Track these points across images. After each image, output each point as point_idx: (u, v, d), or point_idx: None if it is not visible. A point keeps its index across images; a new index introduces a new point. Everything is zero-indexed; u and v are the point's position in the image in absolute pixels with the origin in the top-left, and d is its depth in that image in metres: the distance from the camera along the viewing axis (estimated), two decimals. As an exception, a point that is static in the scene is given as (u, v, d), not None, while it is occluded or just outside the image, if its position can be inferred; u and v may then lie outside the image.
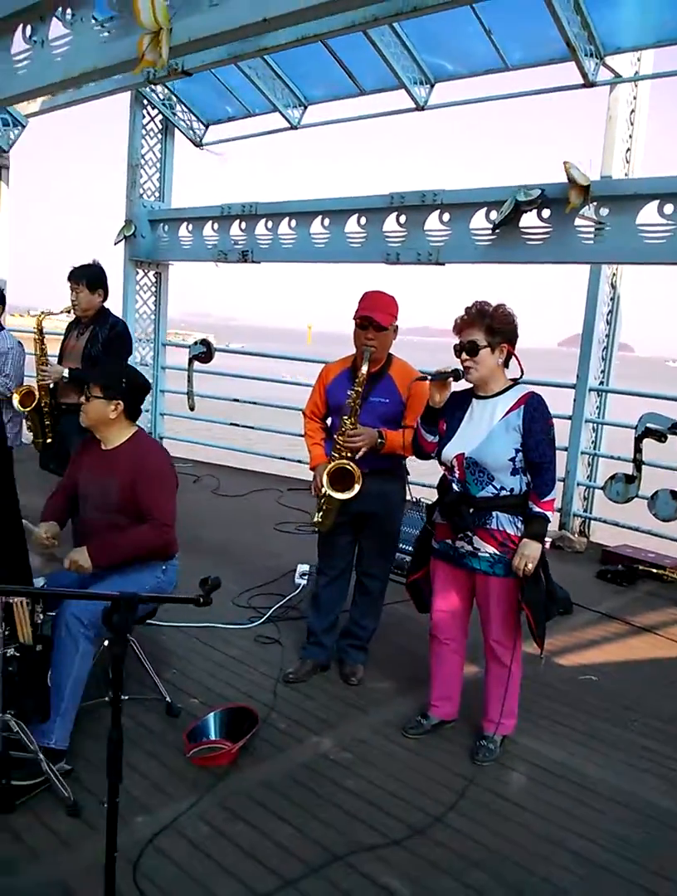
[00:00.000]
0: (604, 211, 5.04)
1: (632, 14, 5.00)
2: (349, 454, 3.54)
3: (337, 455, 3.56)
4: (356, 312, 3.58)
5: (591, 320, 5.94)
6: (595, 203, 5.03)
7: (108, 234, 8.71)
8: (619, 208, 4.99)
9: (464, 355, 3.05)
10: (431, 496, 3.40)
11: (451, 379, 3.08)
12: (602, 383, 6.15)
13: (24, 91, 5.64)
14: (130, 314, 8.20)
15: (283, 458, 8.28)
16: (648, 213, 4.81)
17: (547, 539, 3.30)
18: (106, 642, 3.33)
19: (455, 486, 3.12)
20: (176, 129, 8.23)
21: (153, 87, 7.58)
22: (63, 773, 2.85)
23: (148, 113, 8.12)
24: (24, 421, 5.02)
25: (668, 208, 4.72)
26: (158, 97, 8.01)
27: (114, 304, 5.00)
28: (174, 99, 8.02)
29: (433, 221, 5.88)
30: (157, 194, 8.32)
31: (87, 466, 3.40)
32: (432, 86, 6.20)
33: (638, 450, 5.25)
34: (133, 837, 2.63)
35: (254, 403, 8.58)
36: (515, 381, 3.15)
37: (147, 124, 8.15)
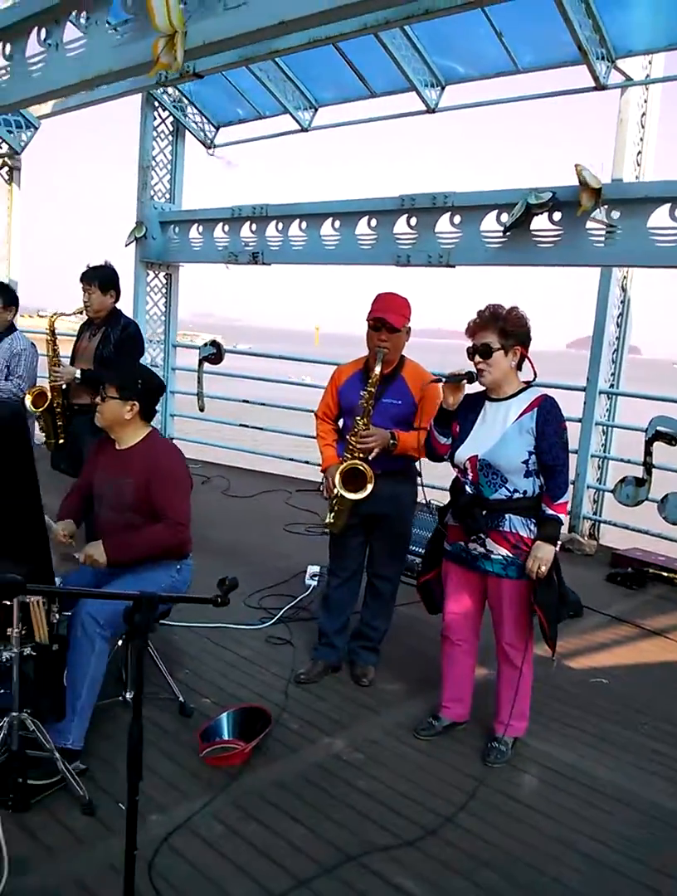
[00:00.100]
0: (616, 214, 5.04)
1: (644, 17, 5.01)
2: (361, 455, 3.56)
3: (349, 456, 3.58)
4: (369, 314, 3.59)
5: (601, 323, 5.93)
6: (606, 206, 5.03)
7: (119, 235, 8.74)
8: (631, 211, 4.99)
9: (477, 358, 3.06)
10: (444, 498, 3.41)
11: (465, 381, 3.09)
12: (612, 386, 6.14)
13: (38, 94, 5.66)
14: (141, 315, 8.22)
15: (292, 459, 8.30)
16: (660, 217, 4.81)
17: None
18: (120, 642, 3.37)
19: (468, 488, 3.13)
20: (186, 130, 8.25)
21: (164, 89, 7.61)
22: (78, 772, 2.87)
23: (159, 115, 8.15)
24: (36, 422, 5.05)
25: (681, 211, 4.73)
26: (169, 99, 8.03)
27: (124, 306, 5.03)
28: (185, 101, 8.04)
29: (443, 224, 5.88)
30: (167, 196, 8.35)
31: (101, 466, 3.42)
32: (443, 88, 6.21)
33: (648, 453, 5.24)
34: (148, 836, 2.65)
35: (265, 405, 8.59)
36: (528, 384, 3.17)
37: (158, 126, 8.18)
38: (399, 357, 3.69)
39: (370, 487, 3.49)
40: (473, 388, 3.19)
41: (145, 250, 8.20)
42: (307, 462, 7.78)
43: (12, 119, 8.28)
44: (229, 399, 8.86)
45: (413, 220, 6.10)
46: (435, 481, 3.67)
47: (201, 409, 7.99)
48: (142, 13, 4.39)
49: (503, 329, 3.03)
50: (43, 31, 5.44)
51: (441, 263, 5.86)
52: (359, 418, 3.55)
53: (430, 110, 6.28)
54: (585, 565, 5.78)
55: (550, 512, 3.02)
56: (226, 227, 7.68)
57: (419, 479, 3.82)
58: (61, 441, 4.93)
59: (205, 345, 7.91)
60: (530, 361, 3.13)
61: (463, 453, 3.13)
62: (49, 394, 4.86)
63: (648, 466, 5.29)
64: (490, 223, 5.60)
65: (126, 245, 8.35)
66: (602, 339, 5.94)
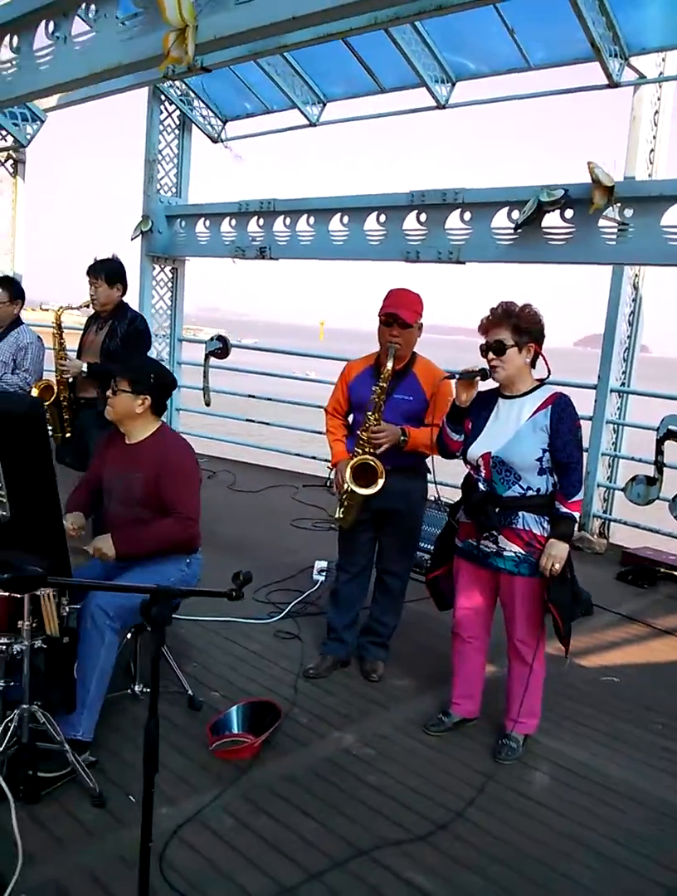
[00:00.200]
0: (628, 212, 5.03)
1: (658, 14, 4.98)
2: (372, 450, 3.55)
3: (360, 451, 3.57)
4: (381, 309, 3.59)
5: (613, 321, 5.91)
6: (619, 204, 5.01)
7: (124, 229, 8.73)
8: (644, 209, 4.97)
9: (490, 355, 3.05)
10: (455, 495, 3.40)
11: (478, 378, 3.08)
12: (623, 384, 6.13)
13: (45, 87, 5.64)
14: (147, 309, 8.21)
15: (299, 455, 8.30)
16: (674, 215, 4.79)
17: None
18: (129, 635, 3.37)
19: (481, 486, 3.12)
20: (193, 124, 8.23)
21: (171, 82, 7.58)
22: (88, 764, 2.87)
23: (165, 109, 8.13)
24: (42, 415, 5.03)
25: (694, 210, 4.72)
26: (176, 93, 8.01)
27: (130, 300, 5.02)
28: (192, 95, 8.02)
29: (454, 220, 5.86)
30: (173, 190, 8.33)
31: (110, 460, 3.41)
32: (453, 84, 6.18)
33: (659, 452, 5.23)
34: (158, 829, 2.62)
35: (271, 400, 8.58)
36: (542, 382, 3.16)
37: (164, 120, 8.15)
38: (410, 353, 3.68)
39: (381, 482, 3.49)
40: (486, 385, 3.18)
41: (151, 244, 8.19)
42: (314, 457, 7.77)
43: (18, 112, 8.23)
44: (235, 394, 8.86)
45: (423, 217, 6.08)
46: (445, 478, 3.67)
47: (207, 404, 7.99)
48: (152, 7, 4.38)
49: (516, 326, 3.02)
50: (51, 24, 5.41)
51: (451, 260, 5.84)
52: (370, 413, 3.54)
53: (440, 106, 6.26)
54: (595, 564, 5.76)
55: (564, 510, 3.02)
56: (234, 222, 7.66)
57: (429, 475, 3.82)
58: (68, 435, 4.92)
59: (212, 339, 7.90)
60: (544, 358, 3.12)
61: (476, 450, 3.12)
62: (55, 387, 4.85)
63: (659, 465, 5.27)
64: (501, 220, 5.58)
65: (132, 239, 8.34)
66: (613, 338, 5.93)
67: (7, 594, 2.74)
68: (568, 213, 5.27)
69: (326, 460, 7.35)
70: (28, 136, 8.43)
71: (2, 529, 2.31)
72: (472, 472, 3.19)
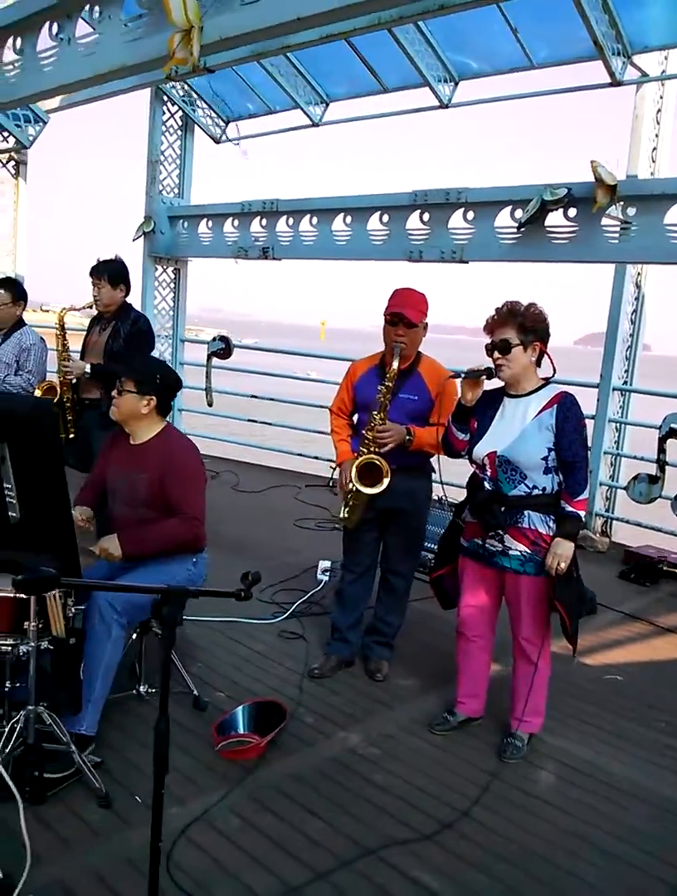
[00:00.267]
0: (632, 210, 5.02)
1: (660, 13, 4.98)
2: (377, 449, 3.55)
3: (365, 450, 3.57)
4: (386, 309, 3.59)
5: (615, 319, 5.91)
6: (622, 202, 5.01)
7: (126, 230, 8.73)
8: (647, 208, 4.96)
9: (496, 354, 3.06)
10: (460, 495, 3.40)
11: (484, 377, 3.08)
12: (625, 383, 6.13)
13: (48, 88, 5.64)
14: (149, 310, 8.20)
15: (301, 455, 8.30)
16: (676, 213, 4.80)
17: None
18: (134, 635, 3.38)
19: (486, 485, 3.12)
20: (196, 125, 8.23)
21: (173, 83, 7.58)
22: (94, 765, 2.87)
23: (168, 109, 8.13)
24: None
25: (698, 208, 4.72)
26: (178, 94, 8.01)
27: (133, 301, 5.02)
28: (194, 95, 8.02)
29: (457, 219, 5.86)
30: (176, 191, 8.33)
31: (115, 461, 3.42)
32: (456, 84, 6.18)
33: (662, 450, 5.23)
34: (165, 829, 2.58)
35: (273, 400, 8.59)
36: (547, 381, 3.16)
37: (167, 120, 8.15)
38: (416, 353, 3.68)
39: (386, 482, 3.49)
40: (492, 384, 3.18)
41: (154, 245, 8.19)
42: (317, 457, 7.78)
43: (21, 113, 8.24)
44: (238, 394, 8.86)
45: (426, 216, 6.08)
46: (450, 478, 3.66)
47: (210, 404, 7.99)
48: (156, 8, 4.38)
49: (522, 325, 3.03)
50: (54, 26, 5.42)
51: (454, 259, 5.85)
52: (375, 413, 3.54)
53: (443, 106, 6.26)
54: (597, 562, 5.76)
55: (570, 509, 3.02)
56: (236, 222, 7.67)
57: (433, 474, 3.83)
58: (71, 436, 4.92)
59: (214, 340, 7.91)
60: (549, 357, 3.13)
61: (481, 449, 3.13)
62: (59, 388, 4.86)
63: (662, 464, 5.28)
64: (504, 219, 5.58)
65: (134, 240, 8.35)
66: (616, 336, 5.92)
67: (12, 595, 2.76)
68: (572, 211, 5.27)
69: (329, 460, 7.36)
70: (30, 138, 8.44)
71: (12, 530, 2.31)
72: (478, 471, 3.19)
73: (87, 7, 5.07)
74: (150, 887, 2.01)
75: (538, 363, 3.14)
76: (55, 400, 4.84)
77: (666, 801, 3.03)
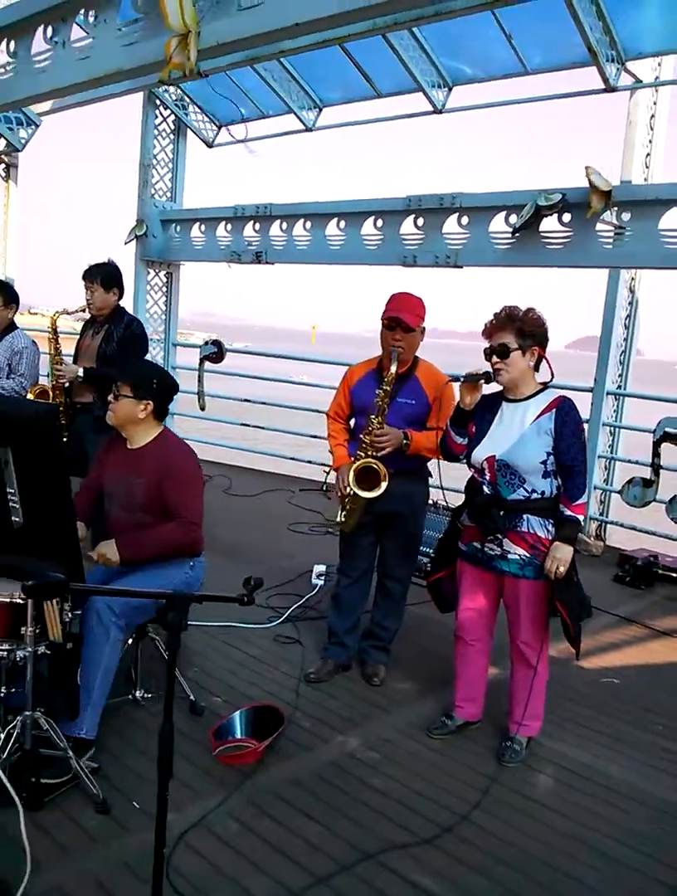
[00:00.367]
0: (626, 216, 5.05)
1: (654, 19, 5.01)
2: (374, 453, 3.55)
3: (362, 454, 3.57)
4: (384, 313, 3.59)
5: (609, 324, 5.93)
6: (616, 208, 5.03)
7: (117, 233, 8.72)
8: (641, 213, 4.99)
9: (494, 358, 3.06)
10: (459, 500, 3.41)
11: (482, 381, 3.09)
12: (619, 387, 6.15)
13: (43, 92, 5.62)
14: (141, 314, 8.18)
15: (294, 459, 8.29)
16: (671, 218, 4.82)
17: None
18: (130, 640, 3.37)
19: (485, 489, 3.13)
20: (188, 129, 8.23)
21: (166, 87, 7.57)
22: (91, 771, 2.85)
23: (160, 113, 8.12)
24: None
25: (692, 214, 4.74)
26: (171, 98, 8.01)
27: (125, 304, 5.01)
28: (187, 99, 8.02)
29: (451, 224, 5.88)
30: (168, 194, 8.32)
31: (112, 465, 3.40)
32: (450, 89, 6.20)
33: (656, 454, 5.25)
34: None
35: (266, 404, 8.58)
36: (545, 385, 3.17)
37: (159, 124, 8.14)
38: (413, 357, 3.69)
39: (384, 485, 3.49)
40: (490, 388, 3.19)
41: (146, 249, 8.17)
42: (310, 461, 7.77)
43: (13, 116, 8.22)
44: (231, 398, 8.85)
45: (420, 221, 6.09)
46: (447, 483, 3.67)
47: (202, 408, 7.97)
48: (153, 12, 4.36)
49: (520, 329, 3.04)
50: (49, 29, 5.40)
51: (448, 264, 5.86)
52: (373, 417, 3.54)
53: (438, 111, 6.28)
54: (592, 566, 5.77)
55: (569, 513, 3.02)
56: (229, 226, 7.66)
57: (430, 479, 3.83)
58: (64, 440, 4.90)
59: (207, 343, 7.89)
60: (547, 362, 3.13)
61: (480, 453, 3.13)
62: (51, 392, 4.83)
63: (656, 467, 5.29)
64: (498, 224, 5.59)
65: (125, 243, 8.33)
66: (610, 340, 5.95)
67: (8, 599, 2.75)
68: (566, 217, 5.29)
69: (322, 464, 7.38)
70: (23, 141, 8.42)
71: (15, 535, 2.30)
72: (476, 475, 3.19)
73: (81, 11, 5.05)
74: (154, 893, 2.00)
75: (536, 368, 3.15)
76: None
77: (664, 804, 3.04)
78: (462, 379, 3.12)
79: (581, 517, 3.06)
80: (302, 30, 3.72)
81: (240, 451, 8.87)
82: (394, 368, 3.49)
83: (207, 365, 7.83)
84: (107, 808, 2.76)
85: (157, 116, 8.08)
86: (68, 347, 5.01)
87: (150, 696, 3.47)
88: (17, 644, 2.72)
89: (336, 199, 6.75)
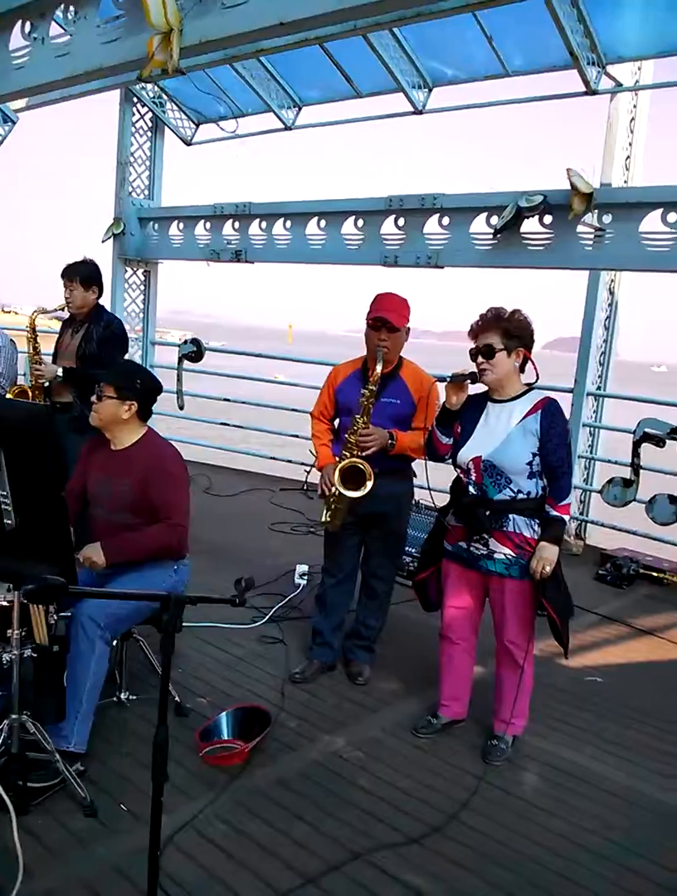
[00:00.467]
0: (607, 218, 5.09)
1: (634, 24, 5.05)
2: (360, 453, 3.55)
3: (348, 454, 3.58)
4: (369, 313, 3.60)
5: (590, 326, 5.98)
6: (597, 210, 5.07)
7: (93, 232, 8.64)
8: (622, 216, 5.03)
9: (480, 358, 3.08)
10: (443, 500, 3.42)
11: (468, 381, 3.10)
12: (599, 388, 6.21)
13: (21, 88, 5.54)
14: (119, 312, 8.12)
15: (273, 458, 8.27)
16: (652, 221, 4.86)
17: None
18: (115, 642, 3.34)
19: (471, 489, 3.14)
20: (166, 127, 8.18)
21: (143, 84, 7.51)
22: (77, 773, 2.84)
23: (137, 111, 8.05)
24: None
25: (672, 217, 4.77)
26: (148, 95, 7.95)
27: (103, 303, 4.97)
28: (164, 97, 7.96)
29: (432, 225, 5.89)
30: (146, 192, 8.26)
31: (96, 467, 3.37)
32: (430, 90, 6.20)
33: (636, 454, 5.30)
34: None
35: (246, 403, 8.56)
36: (530, 386, 3.19)
37: (136, 122, 8.07)
38: (398, 357, 3.70)
39: (370, 485, 3.50)
40: (475, 389, 3.20)
41: (123, 247, 8.11)
42: (289, 460, 7.76)
43: (-11, 113, 8.12)
44: (210, 397, 8.80)
45: (401, 221, 6.10)
46: (431, 483, 3.70)
47: (180, 408, 7.93)
48: (134, 9, 4.32)
49: (506, 330, 3.06)
50: (27, 25, 5.33)
51: (429, 264, 5.87)
52: (358, 417, 3.55)
53: (418, 111, 6.28)
54: (571, 565, 5.80)
55: (554, 513, 3.05)
56: (208, 225, 7.62)
57: (415, 478, 3.85)
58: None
59: (185, 342, 7.86)
60: (533, 363, 3.16)
61: (466, 454, 3.15)
62: (30, 392, 4.79)
63: (636, 467, 5.34)
64: (479, 225, 5.61)
65: (103, 241, 8.26)
66: (590, 342, 6.00)
67: (-8, 603, 2.72)
68: (548, 218, 5.33)
69: (302, 464, 7.37)
70: (-1, 138, 8.31)
71: (8, 538, 2.27)
72: (462, 475, 3.21)
73: (60, 7, 5.00)
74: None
75: (522, 369, 3.17)
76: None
77: (652, 802, 3.07)
78: (448, 379, 3.14)
79: (567, 517, 3.08)
80: (286, 29, 3.69)
81: (218, 451, 8.84)
82: (379, 368, 3.50)
83: (185, 363, 7.79)
84: (94, 812, 2.75)
85: (134, 114, 8.01)
86: (47, 347, 4.96)
87: (134, 698, 3.46)
88: (3, 647, 2.70)
89: (316, 199, 6.74)
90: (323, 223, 6.64)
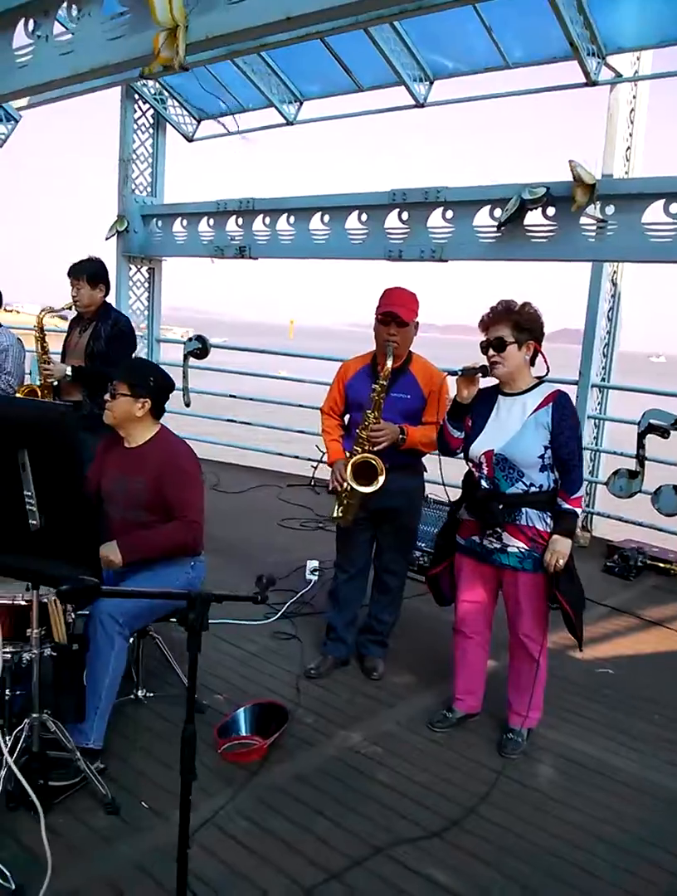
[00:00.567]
0: (610, 209, 5.10)
1: (633, 14, 5.05)
2: (371, 448, 3.57)
3: (359, 449, 3.59)
4: (378, 308, 3.61)
5: (593, 317, 6.00)
6: (600, 201, 5.07)
7: (97, 230, 8.64)
8: (624, 207, 5.04)
9: (491, 351, 3.09)
10: (454, 495, 3.43)
11: (479, 375, 3.11)
12: (603, 379, 6.22)
13: (25, 87, 5.54)
14: (124, 309, 8.12)
15: (281, 454, 8.29)
16: (655, 212, 4.87)
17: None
18: (131, 639, 3.36)
19: (484, 483, 3.16)
20: (168, 123, 8.17)
21: (144, 81, 7.50)
22: (98, 771, 2.86)
23: (139, 107, 8.05)
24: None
25: (674, 207, 4.78)
26: (150, 91, 7.94)
27: (108, 300, 4.98)
28: (166, 93, 7.96)
29: (436, 219, 5.90)
30: (149, 190, 8.26)
31: (110, 465, 3.39)
32: (431, 83, 6.20)
33: (641, 445, 5.31)
34: (173, 833, 2.64)
35: (253, 400, 8.56)
36: (541, 379, 3.20)
37: (138, 119, 8.07)
38: (407, 351, 3.71)
39: (381, 480, 3.51)
40: (486, 382, 3.21)
41: (127, 244, 8.12)
42: (297, 456, 7.77)
43: (-9, 111, 8.10)
44: (216, 393, 8.80)
45: (404, 215, 6.11)
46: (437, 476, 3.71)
47: (187, 404, 7.95)
48: (138, 6, 4.31)
49: (517, 323, 3.06)
50: (31, 23, 5.32)
51: (434, 258, 5.88)
52: (369, 412, 3.56)
53: (419, 105, 6.28)
54: (579, 557, 5.79)
55: (567, 506, 3.06)
56: (212, 221, 7.63)
57: (426, 473, 3.86)
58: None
59: (191, 339, 7.87)
60: (543, 356, 3.16)
61: (478, 447, 3.16)
62: (40, 391, 4.80)
63: (641, 459, 5.35)
64: (483, 218, 5.62)
65: (107, 239, 8.27)
66: (594, 333, 6.01)
67: (11, 601, 2.74)
68: (551, 210, 5.33)
69: (309, 459, 7.39)
70: (2, 137, 8.29)
71: (33, 538, 2.28)
72: (474, 469, 3.22)
73: (64, 4, 4.98)
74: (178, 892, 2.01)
75: (532, 362, 3.17)
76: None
77: (668, 792, 3.09)
78: (459, 373, 3.14)
79: (579, 510, 3.10)
80: (293, 24, 3.67)
81: (225, 448, 8.85)
82: (389, 363, 3.51)
83: (191, 360, 7.80)
84: (116, 809, 2.77)
85: (135, 111, 8.02)
86: (55, 346, 4.97)
87: (152, 695, 3.48)
88: (22, 646, 2.71)
89: (319, 194, 6.74)
90: (326, 218, 6.65)
